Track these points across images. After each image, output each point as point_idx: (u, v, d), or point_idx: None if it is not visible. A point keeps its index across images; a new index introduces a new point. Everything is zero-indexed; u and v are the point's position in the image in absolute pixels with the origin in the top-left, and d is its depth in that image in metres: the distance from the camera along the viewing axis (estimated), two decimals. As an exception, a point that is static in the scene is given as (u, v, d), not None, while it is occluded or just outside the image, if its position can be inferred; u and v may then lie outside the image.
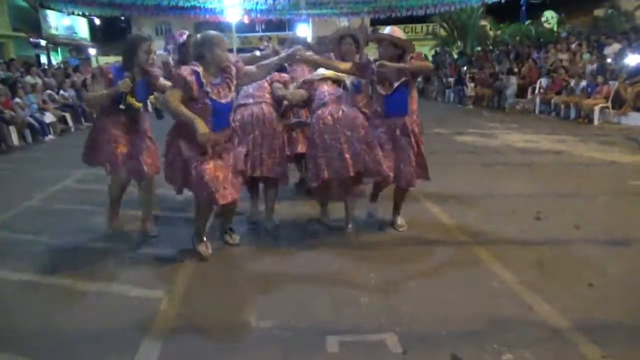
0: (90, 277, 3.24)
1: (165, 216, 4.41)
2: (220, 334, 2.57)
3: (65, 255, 3.66)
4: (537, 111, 12.70)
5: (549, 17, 25.46)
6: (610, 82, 10.72)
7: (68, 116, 11.34)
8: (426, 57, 24.32)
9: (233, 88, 3.33)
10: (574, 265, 3.28)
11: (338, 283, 3.10)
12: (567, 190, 5.10)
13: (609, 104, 10.49)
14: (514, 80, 13.82)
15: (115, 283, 3.18)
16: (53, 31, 21.24)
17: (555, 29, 24.26)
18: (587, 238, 3.73)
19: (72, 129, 11.18)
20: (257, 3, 17.24)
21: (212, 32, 3.29)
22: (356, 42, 4.11)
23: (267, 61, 3.63)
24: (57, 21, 22.61)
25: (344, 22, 26.21)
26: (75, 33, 23.98)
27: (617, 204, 4.66)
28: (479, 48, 23.23)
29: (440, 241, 3.77)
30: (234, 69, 3.32)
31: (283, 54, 3.73)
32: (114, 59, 25.21)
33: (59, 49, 24.23)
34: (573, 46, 14.29)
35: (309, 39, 27.38)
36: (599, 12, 22.27)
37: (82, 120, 11.84)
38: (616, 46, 12.53)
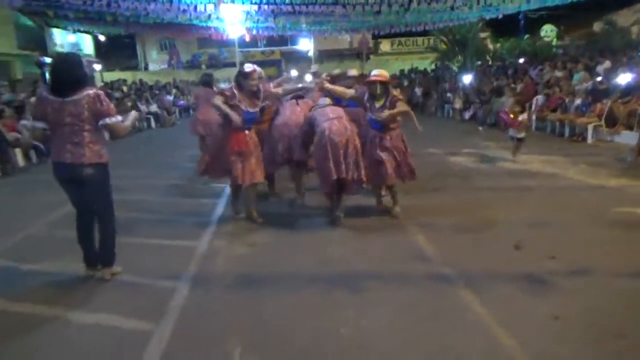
0: (85, 308, 3.45)
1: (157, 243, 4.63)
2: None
3: (62, 285, 3.86)
4: (533, 128, 12.86)
5: (548, 31, 25.74)
6: (604, 101, 10.87)
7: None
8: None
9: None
10: (545, 297, 3.44)
11: (319, 315, 3.29)
12: (549, 218, 5.23)
13: (602, 123, 10.64)
14: (495, 100, 14.07)
15: (106, 313, 3.36)
16: (59, 48, 21.60)
17: (554, 42, 24.49)
18: (560, 269, 3.88)
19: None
20: (257, 20, 17.50)
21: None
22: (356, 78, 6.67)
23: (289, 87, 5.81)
24: (62, 39, 23.10)
25: (346, 37, 26.55)
26: (81, 50, 24.35)
27: (596, 233, 4.75)
28: (479, 62, 23.37)
29: (420, 272, 3.95)
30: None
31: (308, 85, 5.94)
32: (118, 75, 25.54)
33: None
34: (568, 64, 14.47)
35: (310, 53, 27.73)
36: (597, 26, 22.41)
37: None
38: (608, 64, 12.72)
